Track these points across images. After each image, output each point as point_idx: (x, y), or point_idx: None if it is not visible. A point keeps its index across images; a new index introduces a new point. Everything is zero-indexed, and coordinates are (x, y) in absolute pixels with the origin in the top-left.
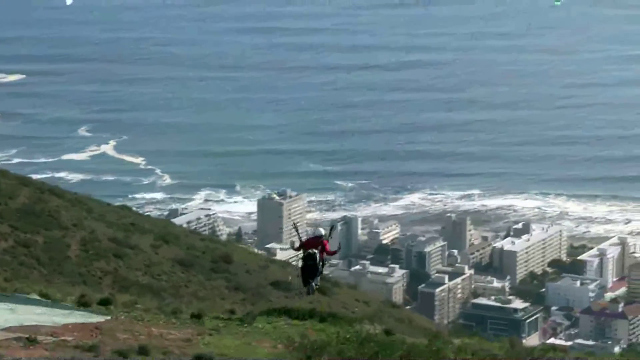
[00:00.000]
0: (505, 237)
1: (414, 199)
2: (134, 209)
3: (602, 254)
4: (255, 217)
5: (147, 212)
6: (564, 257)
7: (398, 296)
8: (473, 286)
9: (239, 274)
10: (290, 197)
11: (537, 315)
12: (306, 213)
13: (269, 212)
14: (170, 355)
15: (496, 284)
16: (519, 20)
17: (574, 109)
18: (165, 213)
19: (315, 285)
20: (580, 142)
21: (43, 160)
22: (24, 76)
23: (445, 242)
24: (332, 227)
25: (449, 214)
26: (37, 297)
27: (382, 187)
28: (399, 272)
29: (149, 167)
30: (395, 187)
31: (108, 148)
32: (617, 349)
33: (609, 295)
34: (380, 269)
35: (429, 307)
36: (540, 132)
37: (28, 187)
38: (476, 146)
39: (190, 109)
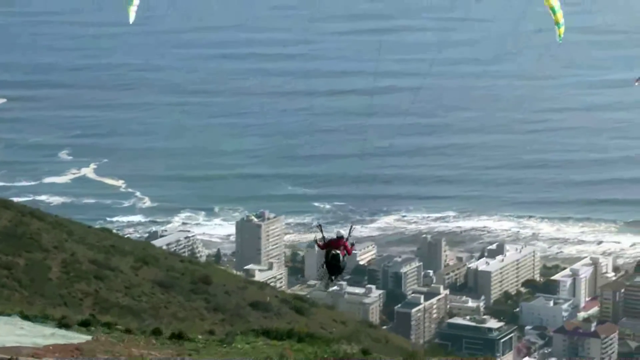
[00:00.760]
0: (480, 257)
1: (390, 221)
2: (114, 231)
3: (574, 274)
4: (234, 239)
5: (127, 234)
6: (537, 277)
7: (375, 316)
8: (448, 306)
9: (218, 295)
10: (269, 219)
11: (512, 334)
12: (284, 235)
13: (248, 234)
14: None
15: (471, 303)
16: (493, 46)
17: (546, 133)
18: (145, 235)
19: (336, 280)
20: (553, 166)
21: (24, 183)
22: (4, 100)
23: (421, 263)
24: (351, 228)
25: (424, 235)
26: (19, 319)
27: (359, 209)
28: (376, 293)
29: (129, 190)
30: (372, 209)
31: (88, 171)
32: None
33: (581, 314)
34: (358, 290)
35: (406, 326)
36: (514, 156)
37: (9, 210)
38: (451, 170)
39: (169, 133)
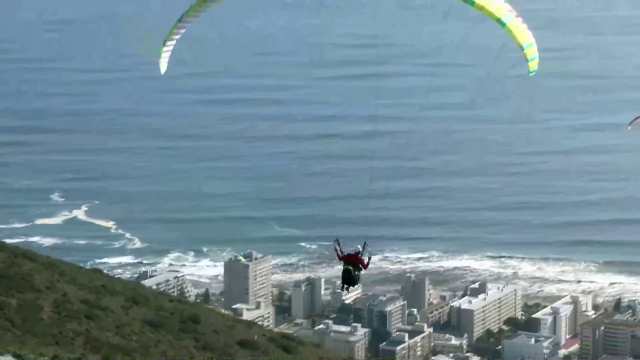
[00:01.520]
0: (463, 296)
1: (375, 260)
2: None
3: (555, 313)
4: (222, 279)
5: (118, 274)
6: (519, 315)
7: (360, 354)
8: (432, 344)
9: (207, 334)
10: (256, 259)
11: None
12: (271, 274)
13: (236, 273)
14: None
15: (454, 341)
16: (476, 90)
17: (527, 175)
18: (135, 275)
19: (351, 289)
20: (533, 208)
21: (17, 225)
22: None
23: (405, 302)
24: (365, 244)
25: (408, 275)
26: (11, 358)
27: (344, 249)
28: (361, 331)
29: (120, 231)
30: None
31: (80, 213)
32: None
33: (562, 352)
34: (343, 328)
35: None
36: (495, 198)
37: (2, 251)
38: (434, 212)
39: (159, 177)
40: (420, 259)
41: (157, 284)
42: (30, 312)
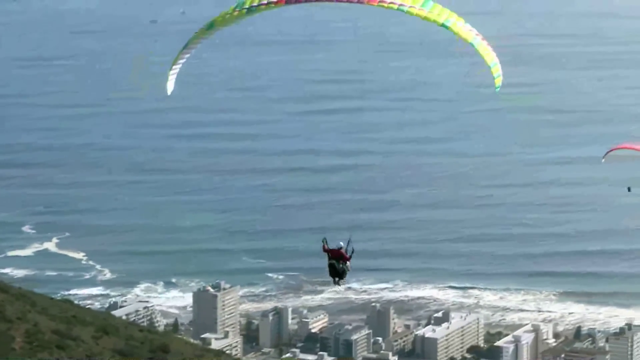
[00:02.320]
0: (427, 325)
1: (340, 290)
2: (75, 302)
3: (517, 341)
4: (191, 309)
5: (88, 305)
6: (481, 344)
7: None
8: None
9: None
10: (224, 289)
11: None
12: (239, 304)
13: (204, 303)
14: None
15: None
16: (443, 125)
17: (491, 208)
18: (106, 306)
19: (339, 281)
20: (496, 239)
21: None
22: None
23: (371, 330)
24: (349, 241)
25: (373, 304)
26: None
27: (311, 279)
28: (328, 359)
29: (90, 262)
30: (324, 280)
31: (51, 245)
32: None
33: None
34: (310, 357)
35: None
36: (460, 230)
37: None
38: (399, 243)
39: (130, 210)
40: (385, 288)
41: (127, 314)
42: (2, 342)
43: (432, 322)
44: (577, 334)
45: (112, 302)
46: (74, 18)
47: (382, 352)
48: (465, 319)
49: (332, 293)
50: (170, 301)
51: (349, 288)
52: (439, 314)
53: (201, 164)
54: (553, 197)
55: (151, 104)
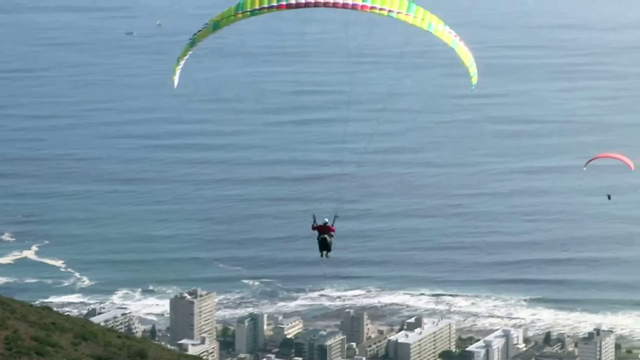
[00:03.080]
0: (400, 330)
1: (315, 296)
2: (54, 309)
3: (487, 345)
4: (168, 315)
5: (67, 312)
6: (453, 349)
7: None
8: None
9: None
10: (201, 295)
11: None
12: (215, 311)
13: (181, 310)
14: None
15: None
16: (410, 136)
17: (462, 216)
18: (84, 312)
19: (327, 254)
20: (468, 247)
21: None
22: None
23: (345, 336)
24: (335, 216)
25: (347, 310)
26: None
27: (286, 286)
28: None
29: (69, 270)
30: (298, 287)
31: (30, 253)
32: None
33: None
34: None
35: None
36: (432, 238)
37: None
38: (372, 252)
39: (107, 219)
40: (358, 295)
41: (105, 321)
42: None
43: (405, 327)
44: (547, 339)
45: (90, 309)
46: (51, 30)
47: (356, 357)
48: (437, 324)
49: (306, 300)
50: (148, 308)
51: (325, 294)
52: (412, 320)
53: (177, 174)
54: (522, 206)
55: (127, 115)
